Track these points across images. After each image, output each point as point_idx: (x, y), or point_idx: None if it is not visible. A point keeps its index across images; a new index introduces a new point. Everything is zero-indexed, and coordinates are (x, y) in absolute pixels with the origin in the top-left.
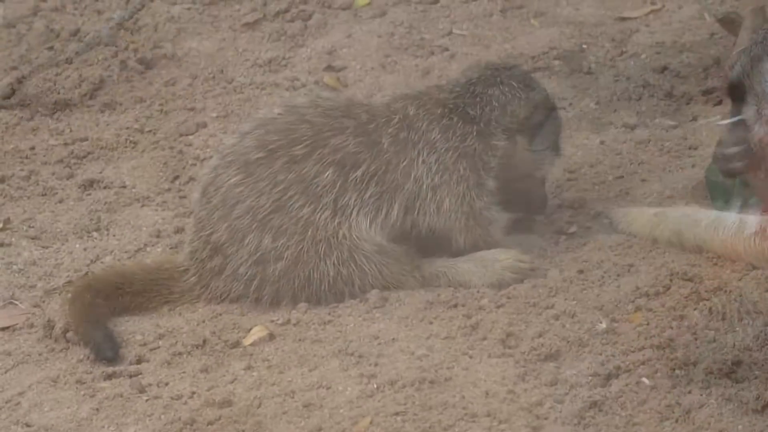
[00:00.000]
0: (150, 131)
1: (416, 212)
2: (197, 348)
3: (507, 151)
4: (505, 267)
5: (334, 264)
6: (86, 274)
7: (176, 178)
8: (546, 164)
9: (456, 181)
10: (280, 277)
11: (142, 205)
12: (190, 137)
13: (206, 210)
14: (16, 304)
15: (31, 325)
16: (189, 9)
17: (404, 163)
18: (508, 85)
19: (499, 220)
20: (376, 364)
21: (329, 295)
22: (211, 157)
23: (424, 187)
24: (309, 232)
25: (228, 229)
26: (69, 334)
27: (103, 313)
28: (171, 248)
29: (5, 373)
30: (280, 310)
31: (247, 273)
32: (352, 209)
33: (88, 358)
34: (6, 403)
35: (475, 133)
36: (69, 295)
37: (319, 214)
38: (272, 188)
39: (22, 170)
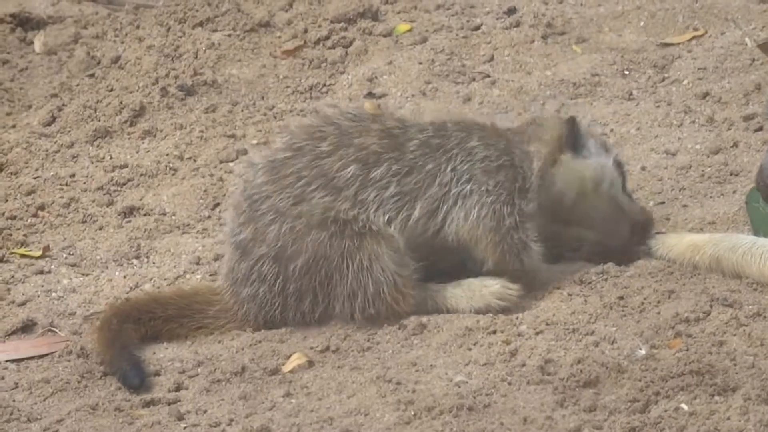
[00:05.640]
0: (190, 158)
1: (439, 217)
2: (236, 375)
3: (558, 175)
4: (492, 293)
5: (348, 244)
6: (116, 300)
7: (216, 205)
8: (601, 169)
9: (486, 193)
10: (302, 274)
11: (182, 233)
12: (231, 164)
13: (236, 215)
14: (56, 332)
15: (70, 353)
16: (229, 36)
17: (429, 167)
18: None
19: (532, 248)
20: (413, 391)
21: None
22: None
23: (451, 193)
24: (330, 218)
25: (253, 228)
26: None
27: (130, 339)
28: (210, 275)
29: (44, 400)
30: (320, 337)
31: (270, 271)
32: (371, 204)
33: None
34: (44, 431)
35: (518, 153)
36: (98, 322)
37: (340, 203)
38: (295, 183)
39: (62, 197)
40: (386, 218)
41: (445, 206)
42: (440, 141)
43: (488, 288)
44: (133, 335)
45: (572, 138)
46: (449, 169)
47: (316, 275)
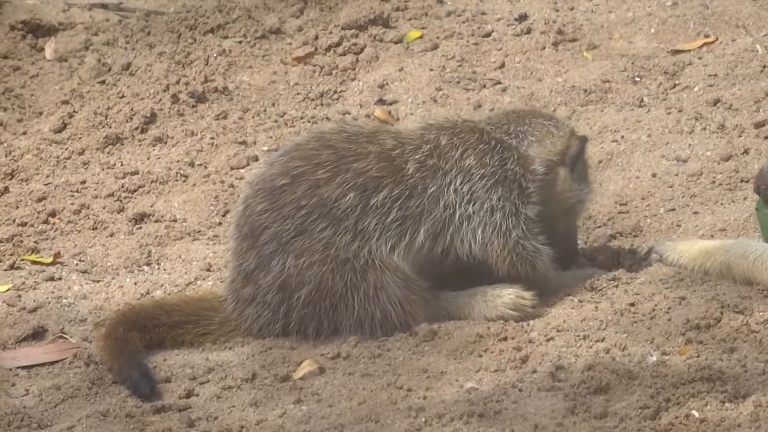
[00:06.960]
0: (201, 165)
1: (447, 238)
2: (247, 382)
3: (547, 182)
4: (506, 303)
5: (351, 277)
6: (121, 307)
7: (227, 212)
8: (585, 197)
9: (491, 210)
10: (306, 304)
11: (193, 239)
12: (241, 171)
13: (237, 241)
14: (66, 338)
15: (81, 359)
16: (240, 42)
17: (432, 190)
18: (538, 123)
19: (543, 252)
20: (424, 398)
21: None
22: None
23: (457, 215)
24: (330, 255)
25: (256, 257)
26: None
27: (137, 347)
28: (221, 282)
29: (55, 407)
30: (331, 344)
31: (274, 299)
32: (372, 234)
33: None
34: None
35: (515, 157)
36: (103, 330)
37: (340, 237)
38: (295, 213)
39: (72, 204)
40: (389, 246)
41: (452, 227)
42: (437, 161)
43: (501, 298)
44: (138, 343)
45: (577, 158)
46: (452, 190)
47: (320, 304)
